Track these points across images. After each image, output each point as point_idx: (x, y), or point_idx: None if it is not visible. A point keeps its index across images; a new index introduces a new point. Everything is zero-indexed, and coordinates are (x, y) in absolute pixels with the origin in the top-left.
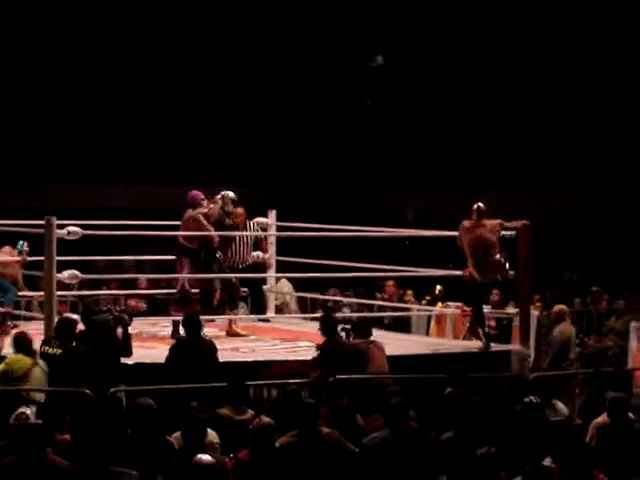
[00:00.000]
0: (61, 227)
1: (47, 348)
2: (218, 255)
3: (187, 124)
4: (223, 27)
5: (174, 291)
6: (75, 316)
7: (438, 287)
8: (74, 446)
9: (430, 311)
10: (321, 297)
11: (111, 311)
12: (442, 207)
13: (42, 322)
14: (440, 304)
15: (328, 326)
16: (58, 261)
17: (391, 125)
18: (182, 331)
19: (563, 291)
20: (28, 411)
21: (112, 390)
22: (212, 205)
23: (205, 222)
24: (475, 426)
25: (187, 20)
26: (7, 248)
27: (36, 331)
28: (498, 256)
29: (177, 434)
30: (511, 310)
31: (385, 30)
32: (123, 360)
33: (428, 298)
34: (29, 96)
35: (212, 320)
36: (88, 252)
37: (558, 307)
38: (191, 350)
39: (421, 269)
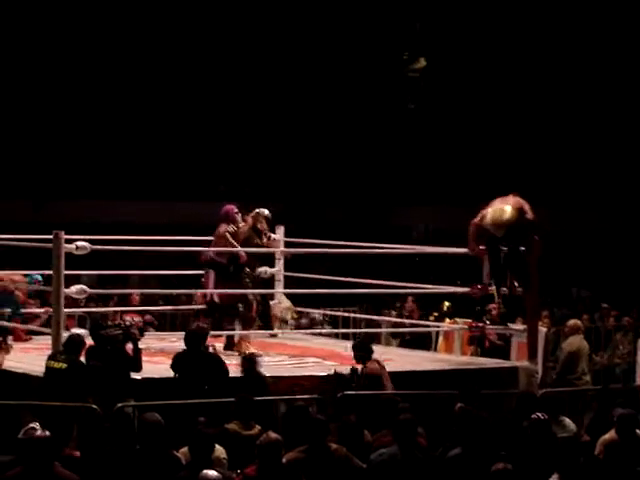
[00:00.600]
0: (69, 242)
1: (53, 362)
2: (247, 271)
3: (194, 138)
4: (234, 36)
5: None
6: (82, 331)
7: (446, 303)
8: (82, 461)
9: (438, 327)
10: (328, 313)
11: (120, 326)
12: (451, 223)
13: (49, 337)
14: (448, 320)
15: (364, 351)
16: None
17: (402, 141)
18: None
19: (571, 308)
20: (38, 427)
21: (119, 405)
22: (243, 224)
23: (232, 240)
24: (483, 442)
25: (197, 33)
26: (19, 276)
27: (46, 346)
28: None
29: (184, 449)
30: (518, 326)
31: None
32: (133, 375)
33: (436, 314)
34: (37, 111)
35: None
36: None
37: (572, 321)
38: (191, 363)
39: (429, 285)
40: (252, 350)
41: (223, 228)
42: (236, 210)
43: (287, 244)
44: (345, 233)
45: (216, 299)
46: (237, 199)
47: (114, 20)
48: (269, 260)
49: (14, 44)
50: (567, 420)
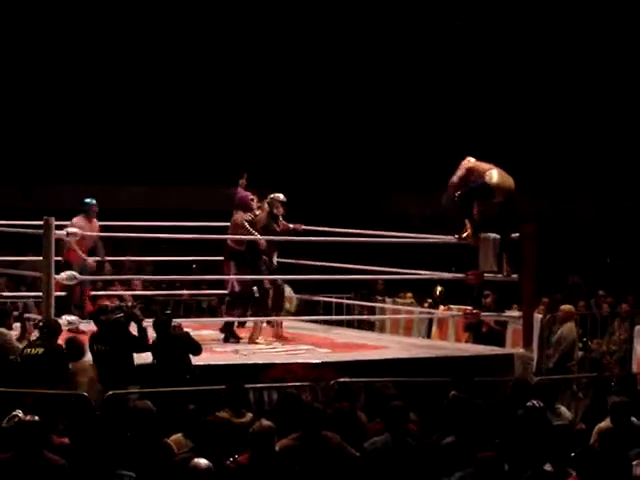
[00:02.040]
0: (60, 228)
1: (29, 350)
2: (264, 258)
3: (185, 122)
4: (227, 26)
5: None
6: (73, 318)
7: (439, 288)
8: (71, 449)
9: (432, 314)
10: (322, 299)
11: (121, 309)
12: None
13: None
14: (442, 307)
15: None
16: None
17: (395, 128)
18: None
19: (567, 295)
20: (21, 414)
21: (110, 393)
22: (259, 211)
23: (250, 229)
24: (477, 430)
25: (190, 22)
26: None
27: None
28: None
29: (175, 437)
30: (514, 313)
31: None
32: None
33: (430, 301)
34: (26, 98)
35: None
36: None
37: (566, 307)
38: (160, 350)
39: (423, 272)
40: (262, 340)
41: (240, 216)
42: (252, 197)
43: None
44: (341, 219)
45: (237, 289)
46: (231, 185)
47: (103, 10)
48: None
49: (3, 31)
50: (562, 408)
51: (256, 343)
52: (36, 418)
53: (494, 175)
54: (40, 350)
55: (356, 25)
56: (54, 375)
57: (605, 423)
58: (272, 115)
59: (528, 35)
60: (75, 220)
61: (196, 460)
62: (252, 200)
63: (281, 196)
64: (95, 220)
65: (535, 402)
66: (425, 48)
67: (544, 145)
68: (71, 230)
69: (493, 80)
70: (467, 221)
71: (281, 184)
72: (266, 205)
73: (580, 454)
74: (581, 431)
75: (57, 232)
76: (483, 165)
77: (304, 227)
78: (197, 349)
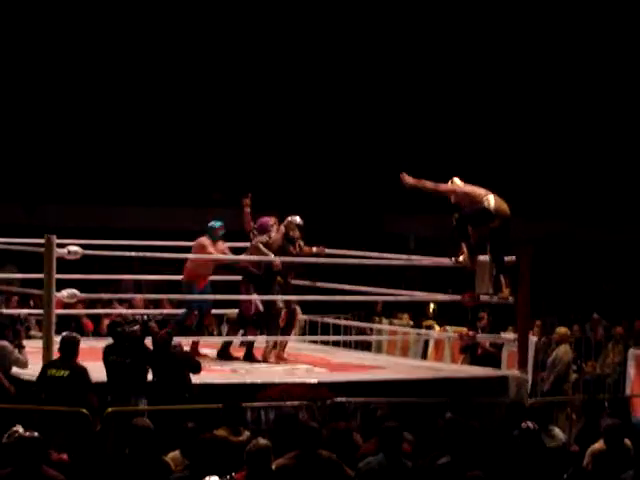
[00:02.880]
0: (61, 246)
1: (53, 370)
2: (279, 279)
3: (187, 144)
4: (226, 42)
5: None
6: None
7: (432, 305)
8: (70, 465)
9: (428, 335)
10: (320, 320)
11: (137, 322)
12: (443, 232)
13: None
14: (438, 328)
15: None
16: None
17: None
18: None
19: (562, 317)
20: (21, 430)
21: (110, 410)
22: (275, 233)
23: (265, 250)
24: (471, 451)
25: (188, 38)
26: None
27: (36, 350)
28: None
29: (173, 454)
30: (509, 335)
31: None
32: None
33: (427, 324)
34: (30, 115)
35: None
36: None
37: (561, 330)
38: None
39: (419, 293)
40: (279, 359)
41: (256, 239)
42: (272, 222)
43: None
44: (339, 240)
45: (261, 309)
46: (232, 206)
47: (111, 24)
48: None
49: (8, 45)
50: (556, 430)
51: (269, 362)
52: (35, 434)
53: (492, 200)
54: (65, 373)
55: (357, 45)
56: (78, 397)
57: (598, 445)
58: (275, 138)
59: (516, 56)
60: (200, 239)
61: (206, 478)
62: (272, 225)
63: (298, 219)
64: (220, 243)
65: (529, 424)
66: (421, 72)
67: (530, 166)
68: (72, 249)
69: (487, 101)
70: (463, 244)
71: (280, 204)
72: (282, 227)
73: (572, 475)
74: (575, 453)
75: (59, 250)
76: (479, 190)
77: (327, 250)
78: (196, 368)
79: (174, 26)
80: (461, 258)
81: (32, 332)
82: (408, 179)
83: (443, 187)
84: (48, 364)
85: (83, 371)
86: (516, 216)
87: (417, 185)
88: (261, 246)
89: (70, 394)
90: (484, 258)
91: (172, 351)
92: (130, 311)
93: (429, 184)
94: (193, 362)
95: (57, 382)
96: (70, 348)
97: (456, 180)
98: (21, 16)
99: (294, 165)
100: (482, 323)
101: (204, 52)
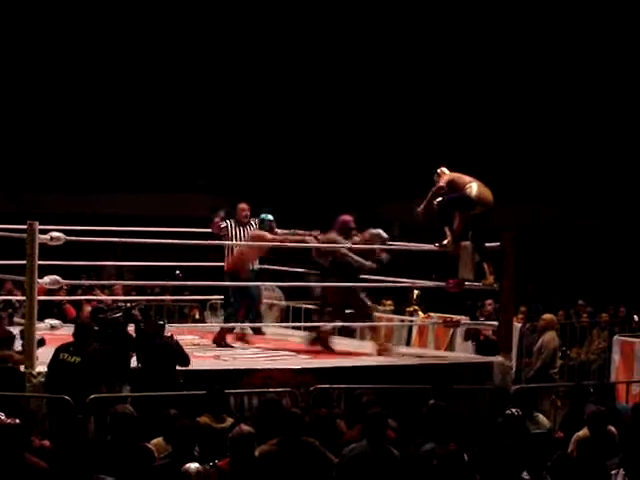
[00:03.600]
0: (44, 232)
1: (66, 355)
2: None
3: (170, 130)
4: (214, 38)
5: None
6: (56, 322)
7: (415, 292)
8: (53, 452)
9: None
10: (304, 306)
11: (121, 308)
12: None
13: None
14: (422, 314)
15: None
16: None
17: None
18: None
19: (547, 303)
20: (3, 417)
21: (92, 397)
22: (358, 239)
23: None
24: (456, 438)
25: (177, 34)
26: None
27: None
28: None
29: (156, 441)
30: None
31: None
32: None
33: (410, 309)
34: (13, 104)
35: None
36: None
37: (548, 316)
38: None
39: (404, 279)
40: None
41: (334, 236)
42: (352, 225)
43: None
44: (325, 227)
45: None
46: (217, 193)
47: (99, 17)
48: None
49: None
50: (541, 416)
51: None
52: (17, 421)
53: (474, 188)
54: (77, 359)
55: (350, 42)
56: (88, 385)
57: (583, 432)
58: (262, 125)
59: (505, 45)
60: (258, 231)
61: (187, 465)
62: (353, 229)
63: (384, 235)
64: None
65: (514, 410)
66: (414, 68)
67: (517, 152)
68: (54, 235)
69: (479, 92)
70: (447, 229)
71: (267, 192)
72: (367, 235)
73: (556, 462)
74: (559, 439)
75: (41, 236)
76: (464, 177)
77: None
78: (185, 361)
79: (158, 19)
80: (445, 242)
81: (15, 319)
82: (419, 211)
83: (437, 188)
84: (60, 347)
85: (96, 359)
86: (501, 203)
87: (426, 207)
88: (346, 251)
89: (80, 381)
90: (468, 243)
91: (163, 341)
92: (112, 297)
93: (429, 196)
94: (182, 354)
95: (68, 367)
96: (84, 334)
97: (444, 169)
98: (9, 11)
99: (281, 152)
100: (488, 309)
101: (189, 42)
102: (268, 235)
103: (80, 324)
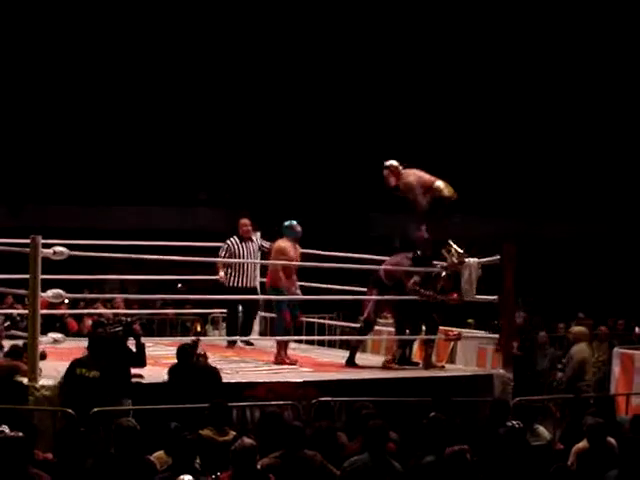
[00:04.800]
0: (47, 246)
1: (84, 370)
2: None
3: (174, 144)
4: (209, 44)
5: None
6: (59, 335)
7: None
8: (56, 465)
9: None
10: (305, 319)
11: (121, 322)
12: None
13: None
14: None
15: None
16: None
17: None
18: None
19: (546, 316)
20: (7, 430)
21: (95, 410)
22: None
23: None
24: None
25: (181, 40)
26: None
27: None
28: None
29: (158, 454)
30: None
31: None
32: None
33: None
34: (16, 117)
35: None
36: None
37: (577, 328)
38: (183, 375)
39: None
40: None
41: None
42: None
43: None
44: (323, 241)
45: (372, 317)
46: (218, 205)
47: (106, 29)
48: None
49: None
50: (541, 428)
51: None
52: (20, 434)
53: (442, 186)
54: (96, 374)
55: (340, 50)
56: (109, 400)
57: (582, 444)
58: (260, 139)
59: (490, 54)
60: (281, 242)
61: (182, 477)
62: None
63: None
64: (298, 245)
65: (514, 422)
66: (399, 72)
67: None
68: (58, 249)
69: (467, 105)
70: (450, 242)
71: (268, 205)
72: (455, 253)
73: (556, 473)
74: (559, 451)
75: (44, 250)
76: (426, 177)
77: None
78: (218, 380)
79: (162, 27)
80: (455, 259)
81: (12, 331)
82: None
83: (418, 191)
84: (76, 362)
85: (115, 373)
86: (498, 215)
87: (421, 202)
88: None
89: (102, 397)
90: (472, 261)
91: (195, 361)
92: (113, 311)
93: (424, 203)
94: (214, 372)
95: (87, 382)
96: (101, 347)
97: (393, 162)
98: (8, 14)
99: (279, 165)
100: (518, 322)
101: (189, 52)
102: (290, 250)
103: (95, 338)
